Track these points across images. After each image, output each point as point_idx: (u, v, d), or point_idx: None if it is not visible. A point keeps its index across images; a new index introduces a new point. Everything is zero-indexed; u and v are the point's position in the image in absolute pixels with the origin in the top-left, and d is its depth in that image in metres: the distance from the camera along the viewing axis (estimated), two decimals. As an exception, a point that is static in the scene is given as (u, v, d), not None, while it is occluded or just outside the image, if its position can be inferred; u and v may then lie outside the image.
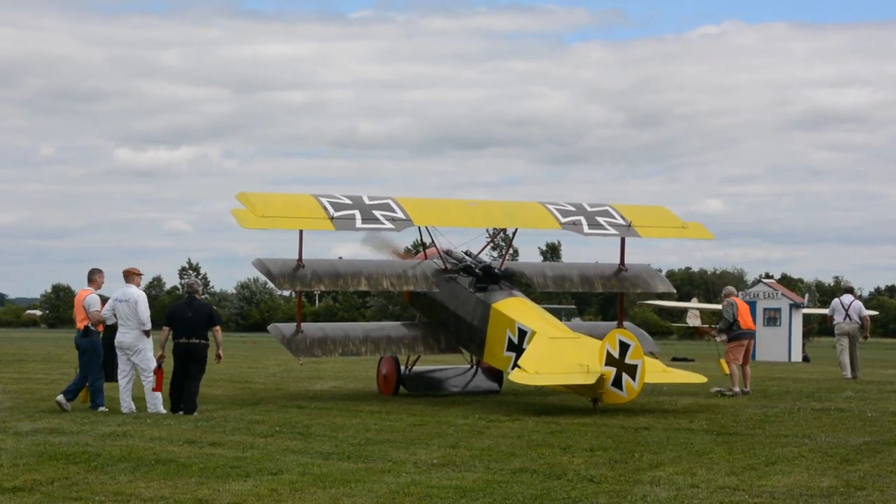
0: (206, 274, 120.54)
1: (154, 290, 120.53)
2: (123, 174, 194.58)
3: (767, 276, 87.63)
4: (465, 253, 22.35)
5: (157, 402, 16.67)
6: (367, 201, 20.73)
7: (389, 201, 20.91)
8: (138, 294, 16.86)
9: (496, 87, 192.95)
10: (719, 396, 20.42)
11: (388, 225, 20.29)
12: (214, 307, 17.79)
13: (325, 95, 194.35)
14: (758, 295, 43.43)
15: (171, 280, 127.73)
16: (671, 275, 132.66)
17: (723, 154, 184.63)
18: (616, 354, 17.25)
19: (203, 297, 17.56)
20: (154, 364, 16.84)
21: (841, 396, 20.12)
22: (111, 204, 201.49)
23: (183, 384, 16.71)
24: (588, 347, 18.00)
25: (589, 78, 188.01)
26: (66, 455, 11.92)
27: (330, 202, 20.31)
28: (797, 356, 37.61)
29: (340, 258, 23.23)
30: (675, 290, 27.07)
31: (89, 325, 16.67)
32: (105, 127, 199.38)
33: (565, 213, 21.88)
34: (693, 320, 66.13)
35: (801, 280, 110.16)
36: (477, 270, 21.37)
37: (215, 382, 22.82)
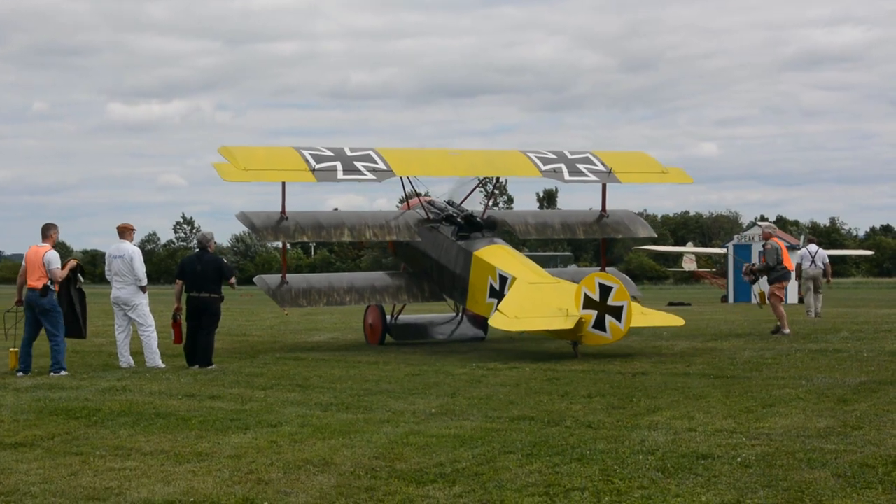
0: (199, 227, 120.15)
1: (149, 244, 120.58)
2: (116, 129, 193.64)
3: (763, 218, 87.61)
4: (448, 202, 22.46)
5: (155, 357, 16.67)
6: (348, 152, 20.77)
7: (371, 152, 20.96)
8: (133, 249, 16.79)
9: (489, 34, 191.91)
10: (777, 335, 20.59)
11: (370, 175, 20.33)
12: (224, 260, 17.67)
13: (317, 46, 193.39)
14: (753, 238, 43.47)
15: (166, 235, 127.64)
16: (666, 219, 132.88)
17: (716, 97, 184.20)
18: (596, 297, 17.38)
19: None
20: (152, 320, 16.83)
21: (837, 337, 20.17)
22: (104, 159, 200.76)
23: (195, 338, 16.67)
24: (567, 292, 18.08)
25: (581, 24, 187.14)
26: (66, 410, 11.95)
27: (311, 154, 20.43)
28: (793, 298, 37.68)
29: (336, 209, 23.10)
30: (655, 235, 26.77)
31: (47, 283, 15.98)
32: (96, 81, 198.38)
33: (546, 161, 22.06)
34: (689, 265, 66.21)
35: (796, 222, 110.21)
36: (459, 219, 21.52)
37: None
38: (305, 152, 20.53)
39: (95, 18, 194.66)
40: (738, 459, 8.65)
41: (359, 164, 20.49)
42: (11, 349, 16.58)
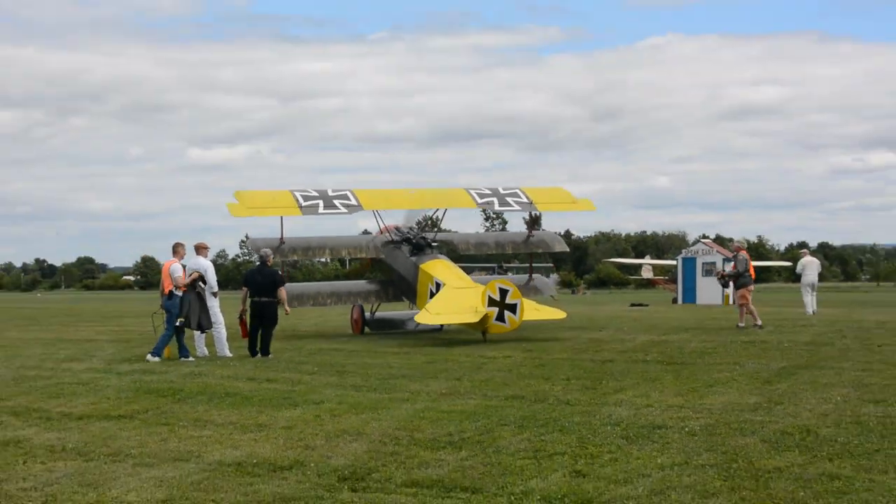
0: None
1: (220, 259, 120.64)
2: (194, 168, 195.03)
3: (705, 236, 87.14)
4: (409, 228, 23.41)
5: (224, 349, 16.65)
6: (330, 193, 21.78)
7: (348, 192, 21.99)
8: (207, 264, 16.77)
9: (487, 91, 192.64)
10: (750, 330, 20.30)
11: (343, 210, 21.39)
12: (279, 272, 17.62)
13: (352, 102, 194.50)
14: (698, 252, 43.31)
15: (233, 251, 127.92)
16: (629, 237, 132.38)
17: (667, 140, 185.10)
18: (497, 298, 18.43)
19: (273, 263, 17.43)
20: (222, 319, 16.81)
21: (763, 331, 20.08)
22: (185, 192, 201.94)
23: (257, 334, 16.55)
24: (481, 294, 18.72)
25: (561, 83, 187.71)
26: (157, 390, 11.96)
27: (302, 195, 21.56)
28: (729, 300, 37.52)
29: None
30: (568, 249, 28.14)
31: (173, 289, 16.21)
32: (178, 131, 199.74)
33: (482, 196, 22.96)
34: (647, 273, 66.00)
35: (731, 239, 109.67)
36: (414, 240, 22.49)
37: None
38: (297, 194, 21.62)
39: (177, 82, 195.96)
40: (686, 429, 8.64)
41: (336, 202, 21.56)
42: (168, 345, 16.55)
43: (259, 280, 16.63)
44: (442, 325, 20.55)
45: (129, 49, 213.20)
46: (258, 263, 17.32)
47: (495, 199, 23.01)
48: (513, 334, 18.98)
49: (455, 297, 19.46)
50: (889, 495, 6.34)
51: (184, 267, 16.53)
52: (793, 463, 7.28)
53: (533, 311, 19.69)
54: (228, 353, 16.58)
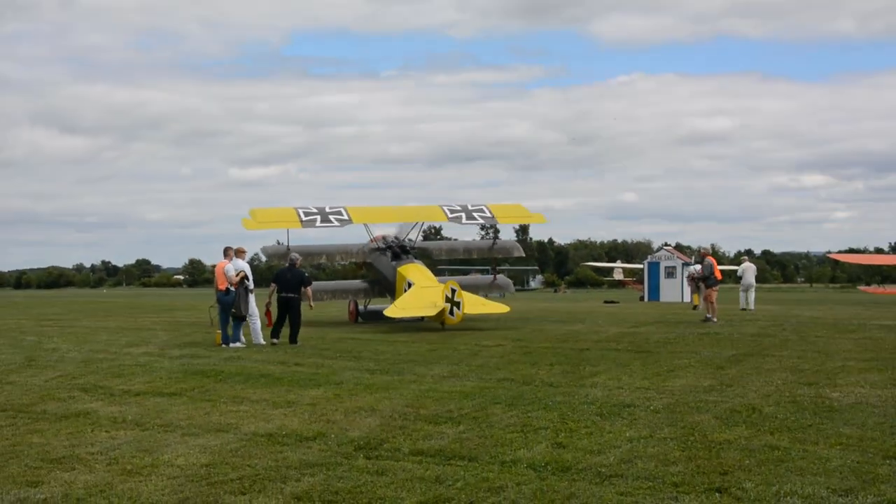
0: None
1: (255, 261, 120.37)
2: (234, 185, 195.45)
3: (666, 244, 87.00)
4: (395, 237, 24.21)
5: (258, 337, 16.59)
6: (327, 210, 22.71)
7: (342, 209, 22.88)
8: (245, 265, 16.74)
9: (482, 119, 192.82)
10: (708, 324, 20.16)
11: (336, 224, 22.28)
12: (306, 273, 17.59)
13: (366, 129, 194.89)
14: (661, 257, 43.23)
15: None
16: (603, 245, 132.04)
17: (634, 162, 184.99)
18: (450, 295, 19.49)
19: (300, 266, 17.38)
20: (257, 311, 16.77)
21: (716, 324, 20.03)
22: (226, 205, 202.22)
23: (282, 324, 16.44)
24: (442, 291, 19.71)
25: (543, 112, 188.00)
26: (202, 371, 11.94)
27: (303, 212, 22.47)
28: (687, 298, 37.41)
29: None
30: (525, 255, 28.88)
31: (228, 286, 16.10)
32: (221, 154, 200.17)
33: (453, 211, 23.82)
34: (618, 275, 65.88)
35: (689, 247, 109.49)
36: (395, 248, 23.48)
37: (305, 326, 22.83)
38: (300, 210, 22.56)
39: (221, 113, 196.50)
40: (651, 407, 8.61)
41: (332, 217, 22.47)
42: (217, 331, 16.51)
43: (288, 278, 16.55)
44: (423, 317, 20.92)
45: (181, 85, 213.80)
46: (287, 265, 17.26)
47: (463, 214, 23.80)
48: (499, 324, 19.02)
49: (419, 295, 20.30)
50: (819, 463, 6.32)
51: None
52: (740, 436, 7.26)
53: (480, 305, 20.74)
54: (262, 341, 16.53)
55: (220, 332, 16.39)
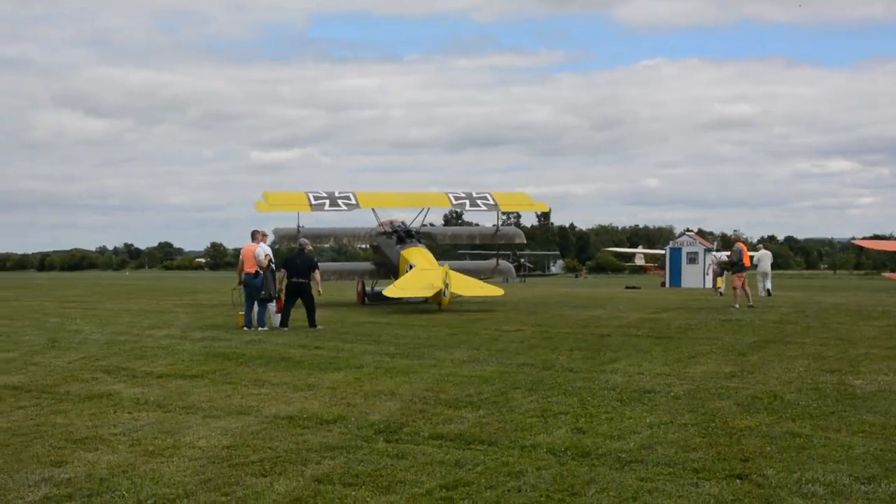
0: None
1: (275, 245, 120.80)
2: (255, 168, 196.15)
3: (688, 230, 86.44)
4: (402, 222, 25.22)
5: (277, 321, 16.63)
6: (336, 194, 23.66)
7: (350, 194, 23.88)
8: (268, 249, 16.78)
9: (503, 104, 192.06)
10: (739, 309, 20.01)
11: (344, 208, 23.34)
12: (315, 258, 17.55)
13: (387, 112, 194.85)
14: (683, 243, 42.94)
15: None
16: (624, 230, 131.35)
17: (657, 148, 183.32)
18: (444, 279, 20.44)
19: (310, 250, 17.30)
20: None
21: (738, 311, 19.89)
22: (247, 188, 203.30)
23: (289, 312, 16.30)
24: (441, 274, 20.70)
25: (565, 97, 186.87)
26: (224, 354, 12.02)
27: (313, 195, 23.45)
28: (709, 284, 37.15)
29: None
30: (526, 241, 29.70)
31: (257, 269, 16.12)
32: (243, 137, 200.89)
33: (457, 198, 24.95)
34: (639, 260, 65.55)
35: (711, 233, 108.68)
36: (400, 232, 24.41)
37: (323, 308, 22.90)
38: (310, 194, 23.49)
39: (243, 95, 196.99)
40: (671, 394, 8.58)
41: (340, 201, 23.49)
42: (240, 313, 16.54)
43: (298, 263, 16.44)
44: (426, 298, 21.74)
45: (203, 68, 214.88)
46: (298, 250, 17.24)
47: (467, 201, 24.77)
48: (519, 309, 18.93)
49: (419, 276, 21.22)
50: (841, 450, 6.27)
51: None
52: (761, 423, 7.21)
53: (476, 288, 21.68)
54: (277, 324, 16.51)
55: (242, 314, 16.46)
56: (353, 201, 23.72)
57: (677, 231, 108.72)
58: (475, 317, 19.25)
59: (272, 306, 16.67)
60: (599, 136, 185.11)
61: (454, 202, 25.00)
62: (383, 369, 10.45)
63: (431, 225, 25.50)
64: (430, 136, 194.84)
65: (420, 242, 24.24)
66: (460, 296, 21.62)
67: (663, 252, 47.40)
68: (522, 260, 67.32)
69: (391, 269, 24.19)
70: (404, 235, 24.41)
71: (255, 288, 16.18)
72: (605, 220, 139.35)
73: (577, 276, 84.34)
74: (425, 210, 25.73)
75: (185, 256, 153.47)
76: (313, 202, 23.33)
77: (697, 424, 7.16)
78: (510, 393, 8.68)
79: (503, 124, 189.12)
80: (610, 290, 36.91)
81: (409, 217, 26.03)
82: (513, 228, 29.47)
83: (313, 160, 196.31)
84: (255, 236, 16.70)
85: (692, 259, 41.08)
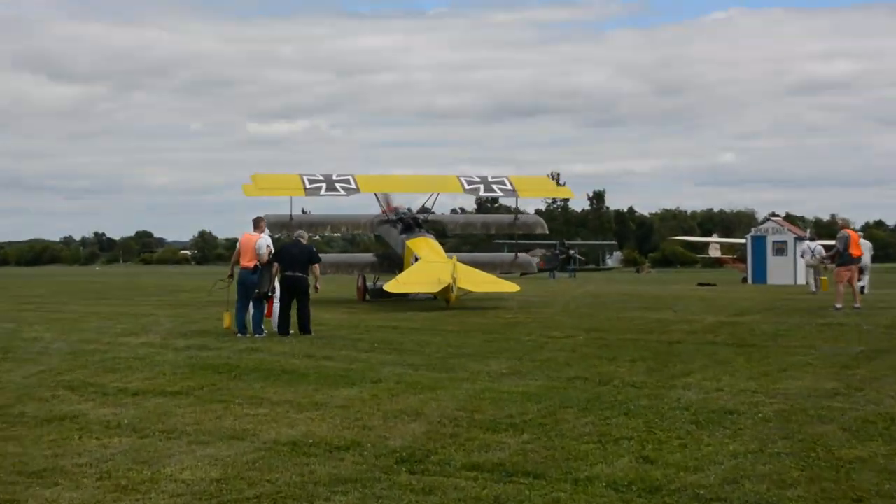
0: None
1: (278, 234, 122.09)
2: (253, 143, 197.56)
3: (774, 214, 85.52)
4: (407, 209, 27.04)
5: (274, 324, 16.52)
6: (334, 177, 25.08)
7: (349, 177, 25.30)
8: (269, 240, 16.74)
9: (547, 66, 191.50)
10: (832, 312, 19.81)
11: (342, 192, 24.67)
12: (315, 249, 17.48)
13: (409, 76, 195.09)
14: (768, 230, 42.51)
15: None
16: (695, 215, 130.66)
17: (733, 115, 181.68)
18: (453, 272, 21.66)
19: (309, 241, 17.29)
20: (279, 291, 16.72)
21: (840, 313, 19.60)
22: (243, 166, 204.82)
23: (288, 315, 16.15)
24: (448, 268, 21.97)
25: (622, 57, 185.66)
26: (213, 366, 12.05)
27: (308, 178, 24.82)
28: (801, 280, 36.70)
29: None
30: (548, 231, 31.21)
31: (258, 263, 16.14)
32: (238, 106, 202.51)
33: (470, 182, 26.38)
34: (714, 252, 65.02)
35: (802, 217, 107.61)
36: (406, 220, 25.90)
37: (328, 308, 22.97)
38: (305, 177, 24.87)
39: (238, 57, 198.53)
40: (760, 415, 8.43)
41: (338, 185, 24.75)
42: (226, 312, 16.68)
43: (294, 253, 16.27)
44: (434, 295, 23.14)
45: (191, 25, 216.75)
46: (295, 239, 17.12)
47: (482, 186, 26.33)
48: (569, 311, 18.83)
49: (427, 270, 22.50)
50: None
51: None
52: (876, 453, 7.04)
53: (490, 283, 23.01)
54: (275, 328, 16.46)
55: (228, 312, 16.53)
56: (353, 185, 24.93)
57: (760, 216, 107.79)
58: (516, 320, 19.16)
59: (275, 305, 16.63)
60: (663, 102, 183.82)
61: (467, 187, 26.25)
62: (406, 384, 10.41)
63: (462, 210, 27.55)
64: (459, 105, 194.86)
65: (429, 232, 25.68)
66: (469, 291, 22.60)
67: (744, 241, 46.95)
68: (572, 252, 67.24)
69: (395, 262, 25.47)
70: (411, 223, 25.78)
71: (251, 285, 16.23)
72: (671, 204, 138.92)
73: (638, 271, 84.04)
74: (434, 196, 27.28)
75: (168, 248, 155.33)
76: (308, 186, 24.50)
77: (794, 454, 7.02)
78: (560, 413, 8.61)
79: (547, 90, 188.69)
80: (679, 288, 36.64)
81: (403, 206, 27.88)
82: (533, 217, 31.16)
83: (321, 133, 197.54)
84: (259, 224, 16.73)
85: (779, 250, 40.69)
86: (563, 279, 59.01)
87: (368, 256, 28.28)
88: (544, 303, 25.38)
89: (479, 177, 26.89)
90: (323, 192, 24.73)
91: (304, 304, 16.32)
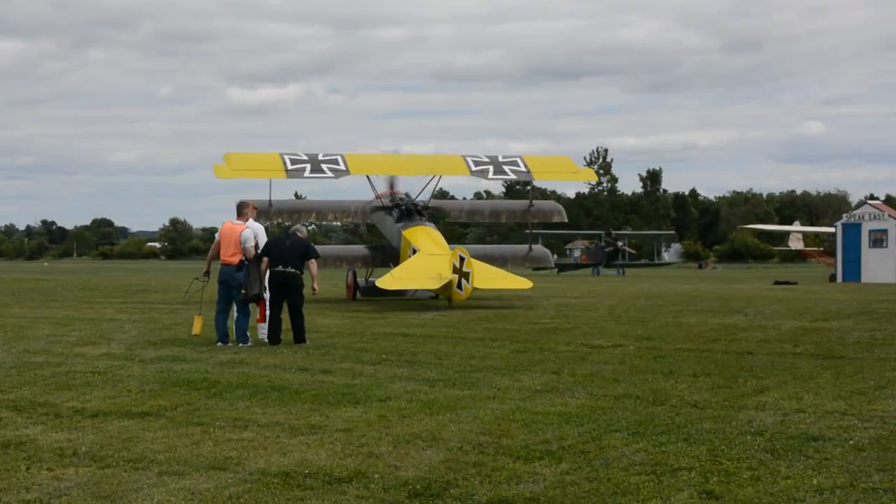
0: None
1: (267, 223, 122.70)
2: (234, 112, 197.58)
3: (872, 197, 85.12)
4: (405, 194, 28.59)
5: (264, 332, 16.64)
6: (320, 157, 26.40)
7: (338, 157, 26.65)
8: (258, 226, 16.79)
9: (591, 17, 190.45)
10: None
11: (330, 174, 26.12)
12: (311, 242, 17.50)
13: (424, 30, 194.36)
14: (863, 216, 42.36)
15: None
16: (772, 198, 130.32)
17: (822, 75, 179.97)
18: (458, 265, 22.74)
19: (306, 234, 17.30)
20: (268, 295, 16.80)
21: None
22: (223, 139, 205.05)
23: (279, 319, 16.29)
24: (449, 261, 23.11)
25: (682, 4, 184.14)
26: (188, 382, 12.14)
27: (290, 158, 26.21)
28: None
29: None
30: (567, 220, 32.41)
31: (243, 259, 16.17)
32: (217, 67, 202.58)
33: (478, 164, 27.64)
34: (795, 243, 64.86)
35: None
36: (402, 206, 27.30)
37: (324, 311, 23.08)
38: (286, 157, 26.24)
39: (216, 7, 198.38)
40: (851, 442, 8.43)
41: (325, 166, 26.05)
42: (197, 315, 16.83)
43: (287, 245, 16.34)
44: (437, 294, 24.65)
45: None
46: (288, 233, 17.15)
47: (491, 167, 27.63)
48: (614, 314, 18.85)
49: (425, 264, 23.76)
50: None
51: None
52: None
53: (499, 278, 24.35)
54: (264, 336, 16.59)
55: (199, 317, 16.63)
56: (342, 166, 26.21)
57: (854, 199, 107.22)
58: (552, 326, 19.18)
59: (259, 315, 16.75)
60: (734, 60, 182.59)
61: (473, 169, 27.50)
62: (420, 403, 10.48)
63: (488, 195, 29.07)
64: (485, 66, 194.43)
65: (429, 220, 27.01)
66: (475, 288, 23.57)
67: (832, 230, 46.82)
68: (620, 244, 67.30)
69: (390, 255, 26.91)
70: (409, 210, 27.13)
71: (236, 285, 16.32)
72: (742, 185, 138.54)
73: (701, 267, 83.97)
74: (436, 178, 28.70)
75: (132, 239, 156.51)
76: (290, 167, 25.83)
77: (893, 490, 7.04)
78: (605, 438, 8.66)
79: (590, 47, 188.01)
80: (751, 287, 36.55)
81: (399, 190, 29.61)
82: (551, 203, 32.86)
83: (317, 100, 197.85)
84: (243, 210, 16.76)
85: (878, 241, 40.55)
86: (608, 276, 59.01)
87: (360, 248, 29.88)
88: (586, 305, 25.39)
89: (488, 157, 28.13)
90: (307, 174, 25.94)
91: (296, 306, 16.42)
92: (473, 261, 23.11)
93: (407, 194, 28.77)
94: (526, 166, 27.85)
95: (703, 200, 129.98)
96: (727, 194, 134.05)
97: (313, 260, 16.70)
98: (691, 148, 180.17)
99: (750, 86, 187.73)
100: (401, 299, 25.92)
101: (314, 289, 16.85)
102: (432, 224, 27.23)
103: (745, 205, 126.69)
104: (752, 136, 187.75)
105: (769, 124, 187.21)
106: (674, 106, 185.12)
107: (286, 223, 28.71)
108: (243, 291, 16.23)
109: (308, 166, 26.15)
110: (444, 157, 30.73)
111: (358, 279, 28.75)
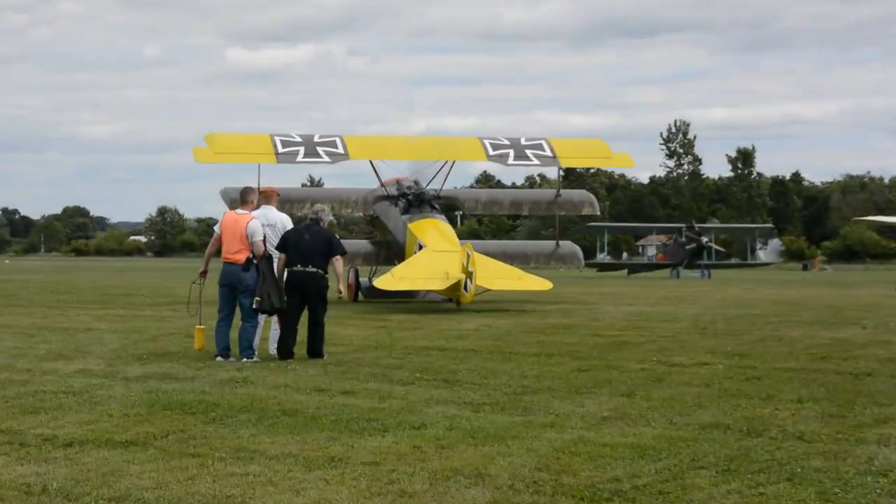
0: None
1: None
2: (235, 77, 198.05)
3: None
4: (414, 182, 29.92)
5: (274, 345, 16.73)
6: (316, 139, 27.99)
7: (336, 139, 28.11)
8: (284, 218, 16.90)
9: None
10: None
11: (326, 159, 27.55)
12: (336, 235, 17.50)
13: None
14: None
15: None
16: (895, 183, 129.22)
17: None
18: (465, 263, 23.82)
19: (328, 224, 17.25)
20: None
21: None
22: (223, 112, 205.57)
23: (296, 322, 16.42)
24: (459, 259, 24.21)
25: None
26: (181, 404, 12.19)
27: (282, 140, 27.68)
28: None
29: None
30: (598, 213, 34.57)
31: (250, 255, 16.13)
32: (214, 22, 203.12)
33: (497, 147, 29.21)
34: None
35: None
36: (409, 196, 28.93)
37: (346, 320, 23.15)
38: (277, 139, 27.70)
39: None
40: None
41: (320, 149, 27.63)
42: (198, 327, 17.06)
43: (307, 240, 16.34)
44: (451, 299, 25.65)
45: None
46: (309, 221, 17.08)
47: (511, 152, 29.00)
48: (697, 327, 18.76)
49: (431, 261, 24.94)
50: None
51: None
52: None
53: (514, 279, 25.59)
54: (273, 351, 16.71)
55: (201, 329, 16.82)
56: (341, 150, 27.70)
57: None
58: (621, 339, 19.15)
59: (274, 322, 16.83)
60: (849, 14, 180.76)
61: (491, 153, 29.02)
62: (462, 431, 10.51)
63: (398, 183, 30.33)
64: (539, 23, 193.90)
65: (440, 211, 28.28)
66: (487, 289, 24.59)
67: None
68: (705, 240, 67.10)
69: (395, 251, 28.38)
70: (417, 199, 28.59)
71: (243, 287, 16.30)
72: (858, 167, 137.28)
73: (806, 268, 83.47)
74: (449, 163, 29.93)
75: (112, 232, 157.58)
76: (280, 150, 27.32)
77: None
78: (689, 476, 8.67)
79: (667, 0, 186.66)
80: (870, 293, 36.30)
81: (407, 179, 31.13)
82: (581, 193, 35.11)
83: (334, 64, 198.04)
84: (247, 197, 16.79)
85: None
86: (690, 279, 58.77)
87: (362, 243, 31.48)
88: (664, 314, 25.33)
89: (508, 140, 29.55)
90: (300, 157, 27.50)
91: (317, 314, 16.48)
92: (478, 258, 23.89)
93: (416, 182, 29.85)
94: (552, 150, 29.15)
95: (809, 186, 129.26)
96: (839, 178, 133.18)
97: (339, 256, 16.69)
98: (794, 121, 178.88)
99: (871, 43, 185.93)
100: (409, 301, 26.60)
101: (339, 291, 16.99)
102: (443, 216, 28.26)
103: (862, 191, 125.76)
104: (873, 107, 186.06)
105: (893, 91, 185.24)
106: (772, 70, 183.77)
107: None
108: (257, 298, 16.05)
109: (301, 150, 27.45)
110: (458, 140, 32.42)
111: (360, 278, 29.89)
